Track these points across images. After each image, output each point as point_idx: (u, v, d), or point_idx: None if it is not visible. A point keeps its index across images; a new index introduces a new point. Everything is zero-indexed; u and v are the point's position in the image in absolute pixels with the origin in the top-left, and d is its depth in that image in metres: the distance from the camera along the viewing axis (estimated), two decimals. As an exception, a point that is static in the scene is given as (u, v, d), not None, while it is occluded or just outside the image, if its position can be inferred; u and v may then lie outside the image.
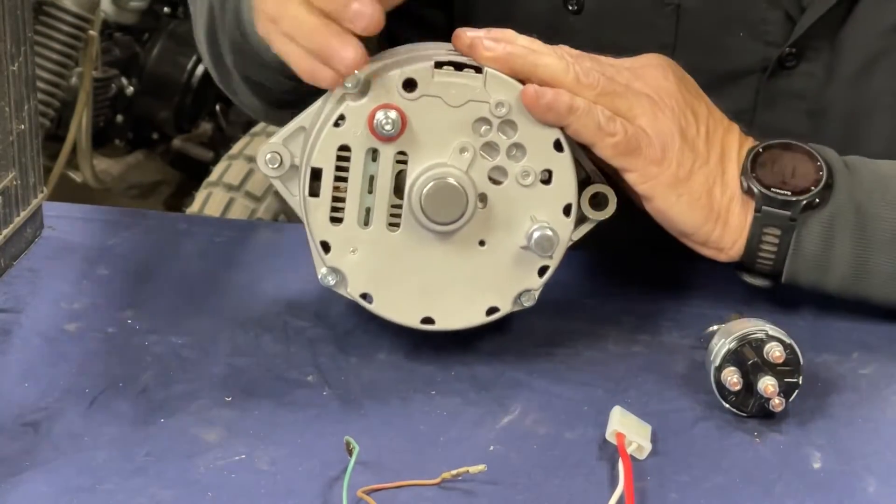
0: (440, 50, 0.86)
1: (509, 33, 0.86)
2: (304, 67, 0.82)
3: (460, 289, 0.86)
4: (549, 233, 0.85)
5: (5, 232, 0.97)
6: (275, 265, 1.00)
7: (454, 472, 0.76)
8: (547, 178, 0.85)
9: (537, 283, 0.87)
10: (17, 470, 0.76)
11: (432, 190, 0.84)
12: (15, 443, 0.79)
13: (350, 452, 0.76)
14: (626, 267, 1.03)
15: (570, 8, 1.04)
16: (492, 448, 0.80)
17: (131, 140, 2.91)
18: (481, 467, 0.76)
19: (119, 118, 2.85)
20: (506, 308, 0.87)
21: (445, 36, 0.88)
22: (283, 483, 0.76)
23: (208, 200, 2.27)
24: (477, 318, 0.87)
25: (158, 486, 0.75)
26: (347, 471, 0.75)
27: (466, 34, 0.84)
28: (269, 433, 0.81)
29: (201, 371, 0.87)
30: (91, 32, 2.60)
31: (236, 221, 1.13)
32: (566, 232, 0.86)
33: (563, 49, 0.87)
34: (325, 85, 0.83)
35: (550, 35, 0.94)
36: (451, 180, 0.84)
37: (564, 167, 0.85)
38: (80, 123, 2.64)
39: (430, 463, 0.78)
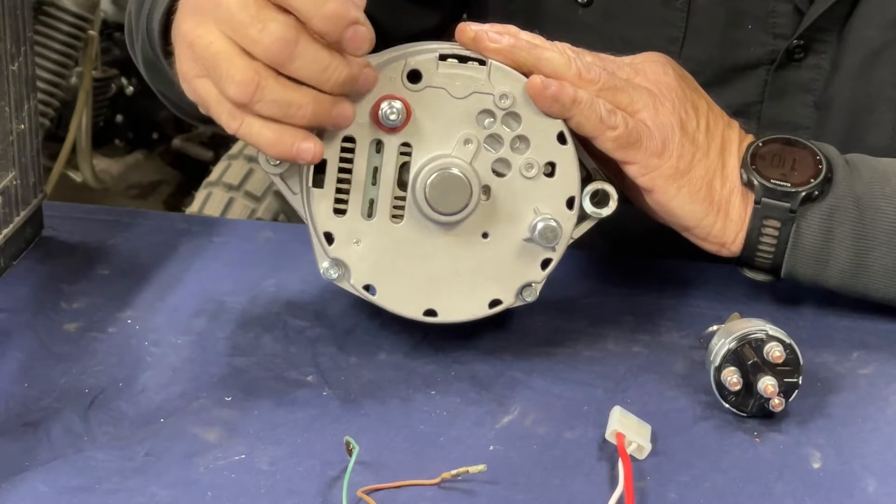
0: (443, 45, 0.86)
1: (512, 28, 0.86)
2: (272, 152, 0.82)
3: (463, 281, 0.87)
4: (553, 223, 0.85)
5: (5, 232, 0.97)
6: (275, 265, 1.00)
7: (454, 472, 0.76)
8: (550, 170, 0.86)
9: (540, 275, 0.87)
10: (17, 470, 0.76)
11: (436, 180, 0.84)
12: (15, 443, 0.79)
13: (350, 452, 0.76)
14: (626, 267, 1.03)
15: (580, 1, 1.05)
16: (492, 448, 0.80)
17: (131, 140, 2.91)
18: (481, 467, 0.76)
19: (119, 118, 2.85)
20: (508, 301, 0.87)
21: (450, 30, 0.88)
22: (283, 483, 0.76)
23: (208, 200, 2.27)
24: (479, 310, 0.88)
25: (158, 486, 0.76)
26: (347, 471, 0.75)
27: (470, 27, 0.85)
28: (269, 433, 0.81)
29: (201, 371, 0.87)
30: (91, 32, 2.60)
31: (236, 221, 1.13)
32: (569, 225, 0.86)
33: (565, 45, 0.87)
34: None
35: (560, 28, 0.94)
36: (455, 171, 0.84)
37: (568, 160, 0.86)
38: (80, 123, 2.64)
39: (430, 463, 0.78)
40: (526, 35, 0.86)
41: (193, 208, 2.28)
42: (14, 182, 0.97)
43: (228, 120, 0.81)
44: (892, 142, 1.03)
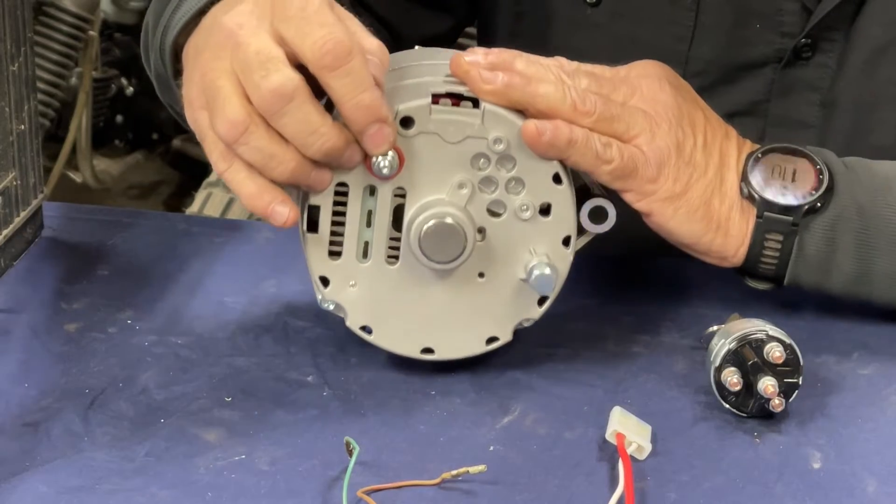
0: (438, 76, 0.85)
1: (506, 58, 0.85)
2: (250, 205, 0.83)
3: (460, 320, 0.86)
4: (548, 271, 0.83)
5: (5, 232, 0.97)
6: (275, 265, 1.00)
7: (454, 472, 0.76)
8: (546, 210, 0.85)
9: (537, 312, 0.87)
10: (17, 470, 0.76)
11: (430, 230, 0.83)
12: (15, 443, 0.79)
13: (350, 453, 0.76)
14: (626, 267, 1.03)
15: (588, 1, 1.05)
16: (492, 448, 0.80)
17: (131, 140, 2.91)
18: (481, 467, 0.76)
19: (119, 118, 2.85)
20: (506, 337, 0.87)
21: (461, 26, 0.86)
22: (283, 483, 0.76)
23: (208, 200, 2.27)
24: (477, 347, 0.87)
25: (158, 486, 0.76)
26: (347, 471, 0.75)
27: (464, 60, 0.83)
28: (269, 433, 0.81)
29: (201, 371, 0.87)
30: (91, 32, 2.60)
31: (236, 221, 1.13)
32: (565, 264, 0.85)
33: (560, 63, 0.86)
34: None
35: (568, 28, 0.93)
36: (449, 220, 0.83)
37: (563, 199, 0.84)
38: (80, 123, 2.64)
39: (430, 463, 0.78)
40: (521, 64, 0.85)
41: (193, 209, 2.28)
42: (14, 182, 0.97)
43: (218, 159, 0.82)
44: None
